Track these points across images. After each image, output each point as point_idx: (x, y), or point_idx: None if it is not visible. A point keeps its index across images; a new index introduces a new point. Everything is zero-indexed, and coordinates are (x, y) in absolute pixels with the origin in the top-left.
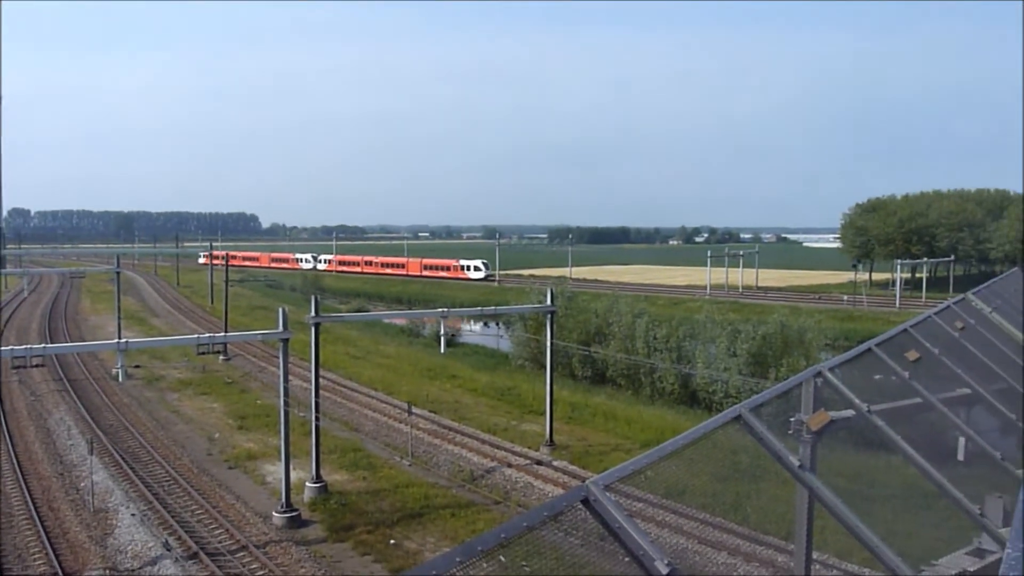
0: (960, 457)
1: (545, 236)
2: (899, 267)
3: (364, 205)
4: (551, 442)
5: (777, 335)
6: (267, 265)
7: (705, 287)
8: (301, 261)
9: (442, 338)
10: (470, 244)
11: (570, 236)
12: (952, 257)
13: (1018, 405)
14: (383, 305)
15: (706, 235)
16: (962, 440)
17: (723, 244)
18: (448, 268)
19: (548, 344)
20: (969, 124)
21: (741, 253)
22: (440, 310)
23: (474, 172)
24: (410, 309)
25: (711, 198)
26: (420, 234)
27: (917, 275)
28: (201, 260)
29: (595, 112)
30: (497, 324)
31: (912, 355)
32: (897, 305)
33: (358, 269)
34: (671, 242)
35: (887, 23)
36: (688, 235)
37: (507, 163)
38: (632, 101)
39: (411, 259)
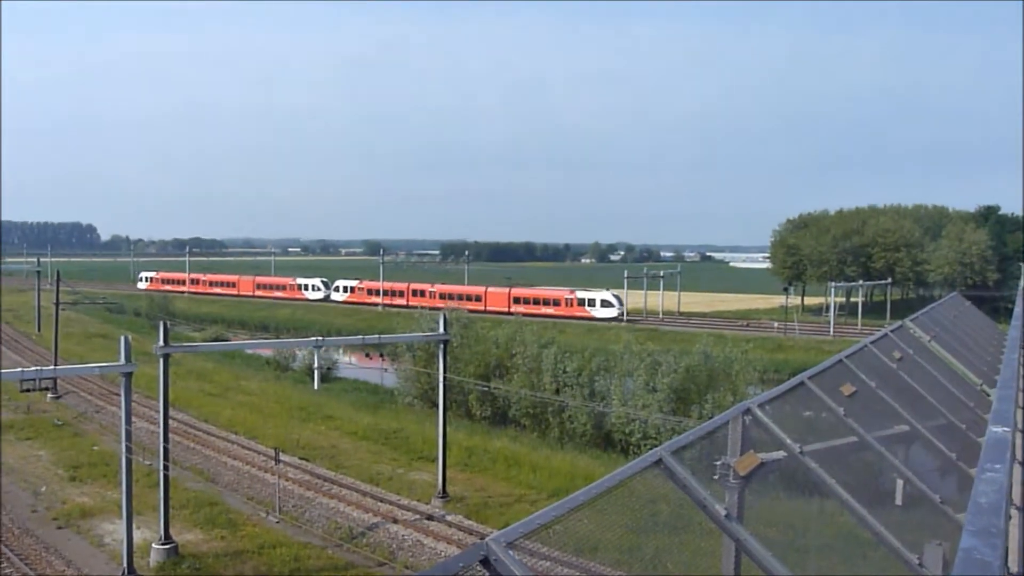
0: (898, 501)
1: (437, 252)
2: (833, 290)
3: (221, 215)
4: (444, 493)
5: (701, 367)
6: (251, 293)
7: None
8: (306, 288)
9: (316, 372)
10: (350, 261)
11: (467, 253)
12: (889, 280)
13: (958, 443)
14: (245, 333)
15: (623, 252)
16: (900, 482)
17: (641, 263)
18: (559, 302)
19: (440, 379)
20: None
21: (661, 274)
22: (313, 339)
23: (352, 178)
24: (277, 338)
25: (628, 211)
26: (290, 249)
27: (852, 299)
28: (142, 285)
29: (495, 115)
30: (381, 356)
31: (847, 389)
32: (831, 332)
33: (401, 301)
34: (583, 260)
35: (822, 25)
36: (602, 252)
37: (390, 168)
38: (543, 103)
39: (492, 288)
